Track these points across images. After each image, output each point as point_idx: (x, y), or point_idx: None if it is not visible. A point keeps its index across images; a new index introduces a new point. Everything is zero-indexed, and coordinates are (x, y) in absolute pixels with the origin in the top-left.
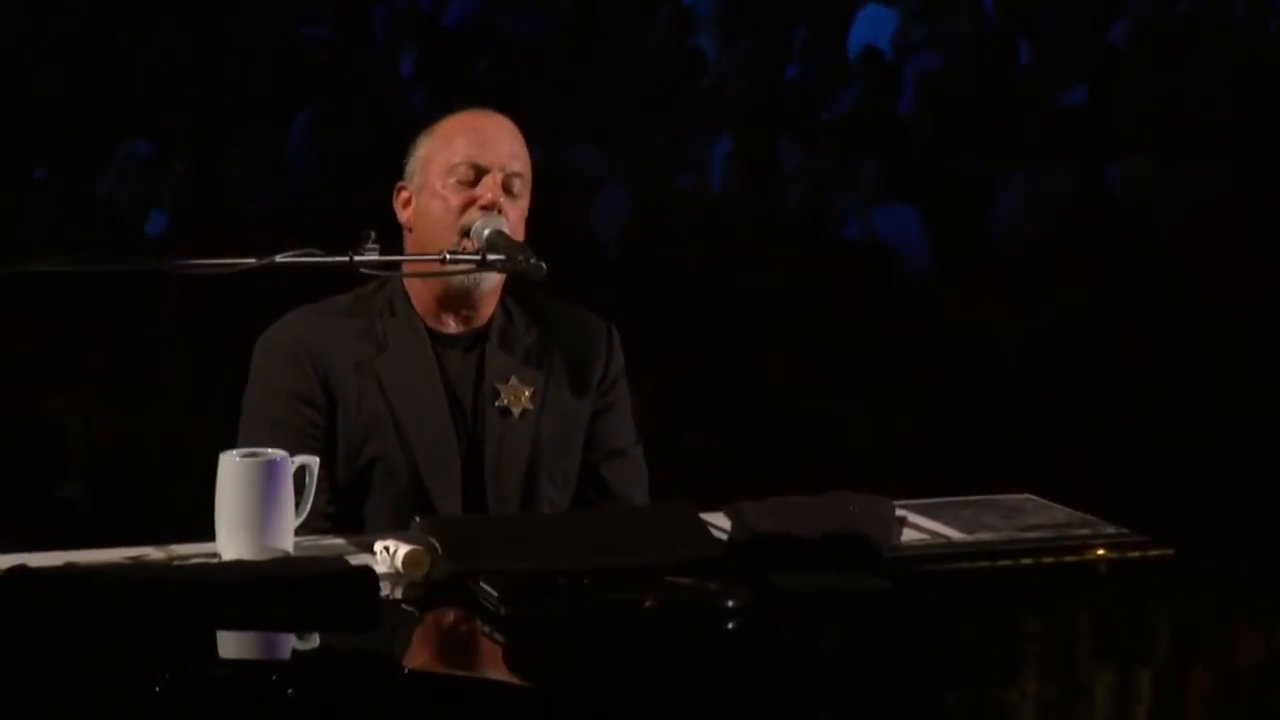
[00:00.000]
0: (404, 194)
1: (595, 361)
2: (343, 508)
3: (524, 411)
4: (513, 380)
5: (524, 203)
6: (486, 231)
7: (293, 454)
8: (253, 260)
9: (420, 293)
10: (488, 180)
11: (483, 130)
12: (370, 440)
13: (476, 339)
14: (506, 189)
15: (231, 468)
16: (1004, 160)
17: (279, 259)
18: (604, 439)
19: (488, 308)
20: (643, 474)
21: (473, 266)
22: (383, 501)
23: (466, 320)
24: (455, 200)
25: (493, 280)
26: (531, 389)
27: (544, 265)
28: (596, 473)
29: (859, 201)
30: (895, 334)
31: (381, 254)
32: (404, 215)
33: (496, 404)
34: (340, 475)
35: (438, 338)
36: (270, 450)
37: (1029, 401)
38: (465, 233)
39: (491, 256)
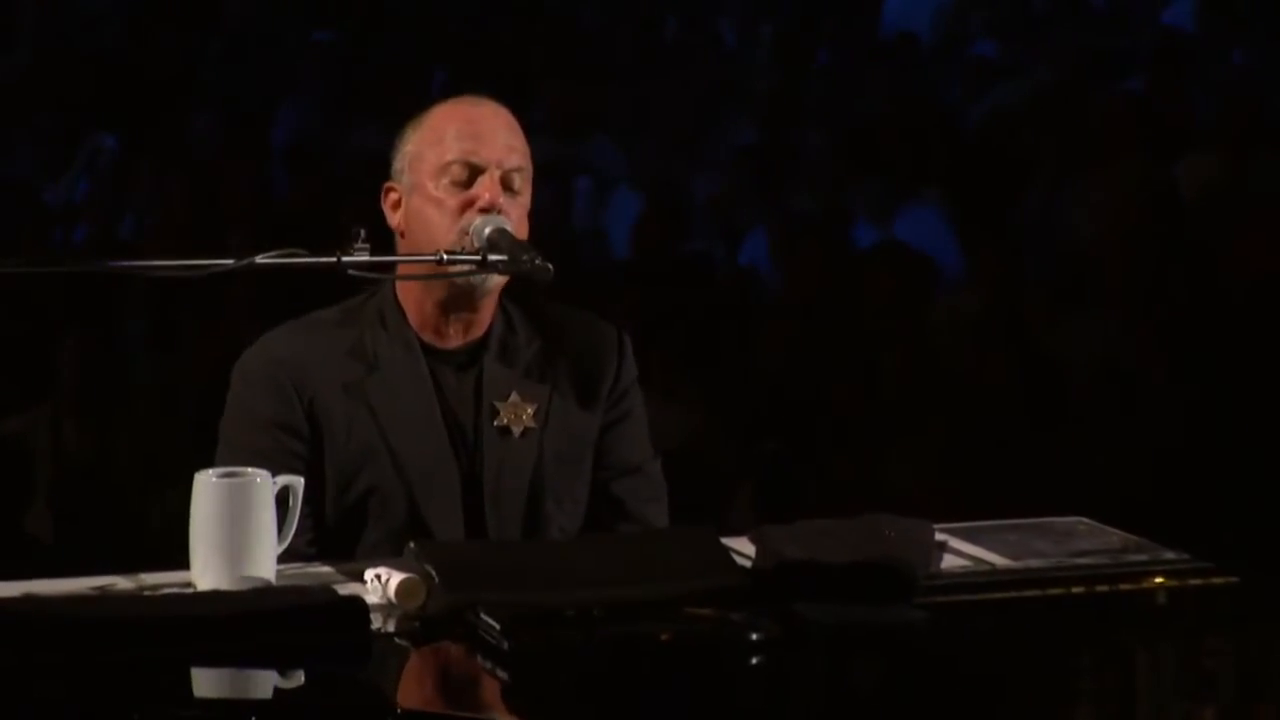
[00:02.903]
0: (393, 195)
1: (604, 371)
2: (331, 545)
3: (525, 430)
4: (513, 397)
5: (525, 199)
6: (487, 229)
7: None
8: (230, 261)
9: (415, 301)
10: (484, 180)
11: (476, 122)
12: (363, 471)
13: (474, 353)
14: (506, 186)
15: (208, 489)
16: (1054, 157)
17: (259, 260)
18: (616, 454)
19: (488, 314)
20: (661, 491)
21: (472, 268)
22: (377, 536)
23: (465, 329)
24: (451, 203)
25: (496, 282)
26: (534, 406)
27: (550, 266)
28: (609, 491)
29: (891, 201)
30: (933, 342)
31: (372, 255)
32: (394, 219)
33: (495, 423)
34: (329, 510)
35: (432, 352)
36: (250, 470)
37: (1083, 418)
38: (465, 235)
39: (493, 257)
